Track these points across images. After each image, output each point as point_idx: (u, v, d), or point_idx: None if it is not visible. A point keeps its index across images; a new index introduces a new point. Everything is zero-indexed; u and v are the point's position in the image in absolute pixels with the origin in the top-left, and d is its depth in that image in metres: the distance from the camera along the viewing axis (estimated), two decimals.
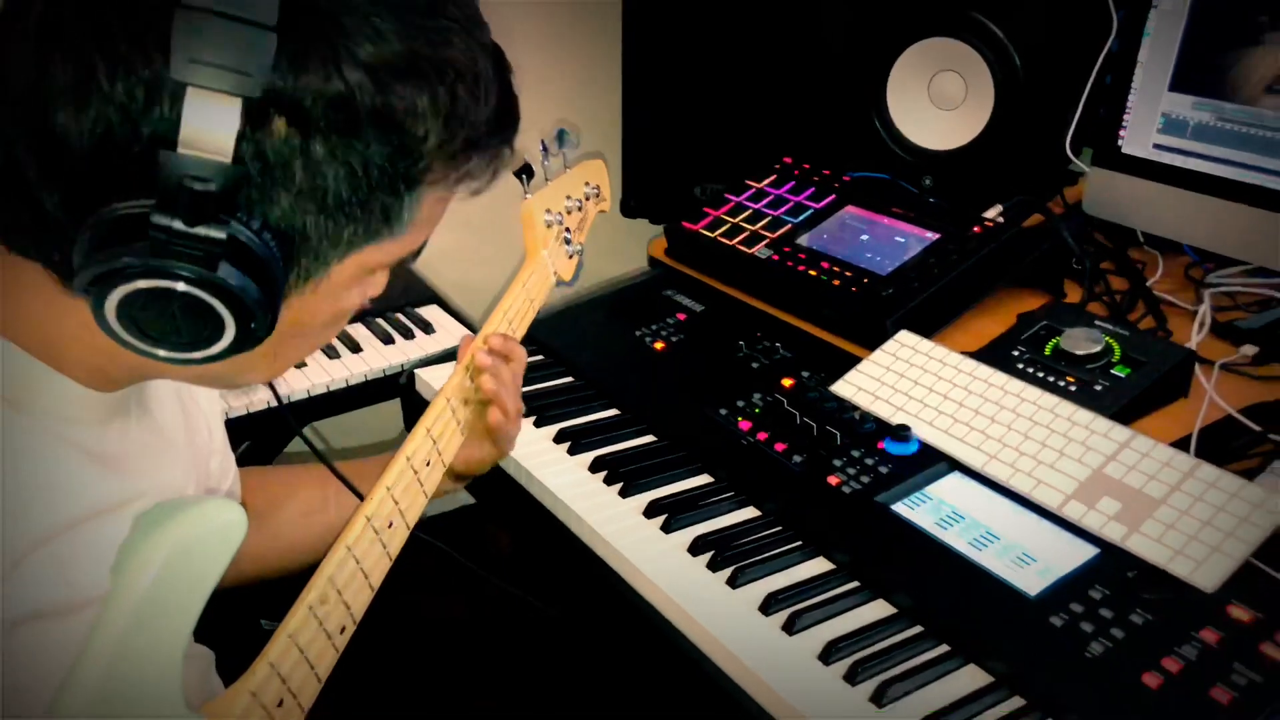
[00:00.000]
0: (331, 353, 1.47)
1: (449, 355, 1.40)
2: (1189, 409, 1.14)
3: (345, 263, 0.65)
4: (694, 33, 1.78)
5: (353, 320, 1.53)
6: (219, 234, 0.56)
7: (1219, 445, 1.08)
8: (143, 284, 0.57)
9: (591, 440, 1.19)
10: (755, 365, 1.28)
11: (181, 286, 0.57)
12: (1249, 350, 1.24)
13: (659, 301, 1.46)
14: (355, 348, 1.48)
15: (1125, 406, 1.10)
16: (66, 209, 0.57)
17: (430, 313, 1.58)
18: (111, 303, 0.58)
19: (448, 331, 1.53)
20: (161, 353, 0.61)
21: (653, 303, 1.46)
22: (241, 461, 0.98)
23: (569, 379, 1.33)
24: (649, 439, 1.20)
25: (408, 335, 1.53)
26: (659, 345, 1.35)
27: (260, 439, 1.59)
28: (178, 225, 0.55)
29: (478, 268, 1.92)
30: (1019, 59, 1.50)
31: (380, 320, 1.55)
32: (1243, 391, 1.16)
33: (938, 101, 1.59)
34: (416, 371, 1.36)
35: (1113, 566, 0.93)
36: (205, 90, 0.53)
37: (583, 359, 1.35)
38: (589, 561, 1.06)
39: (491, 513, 1.37)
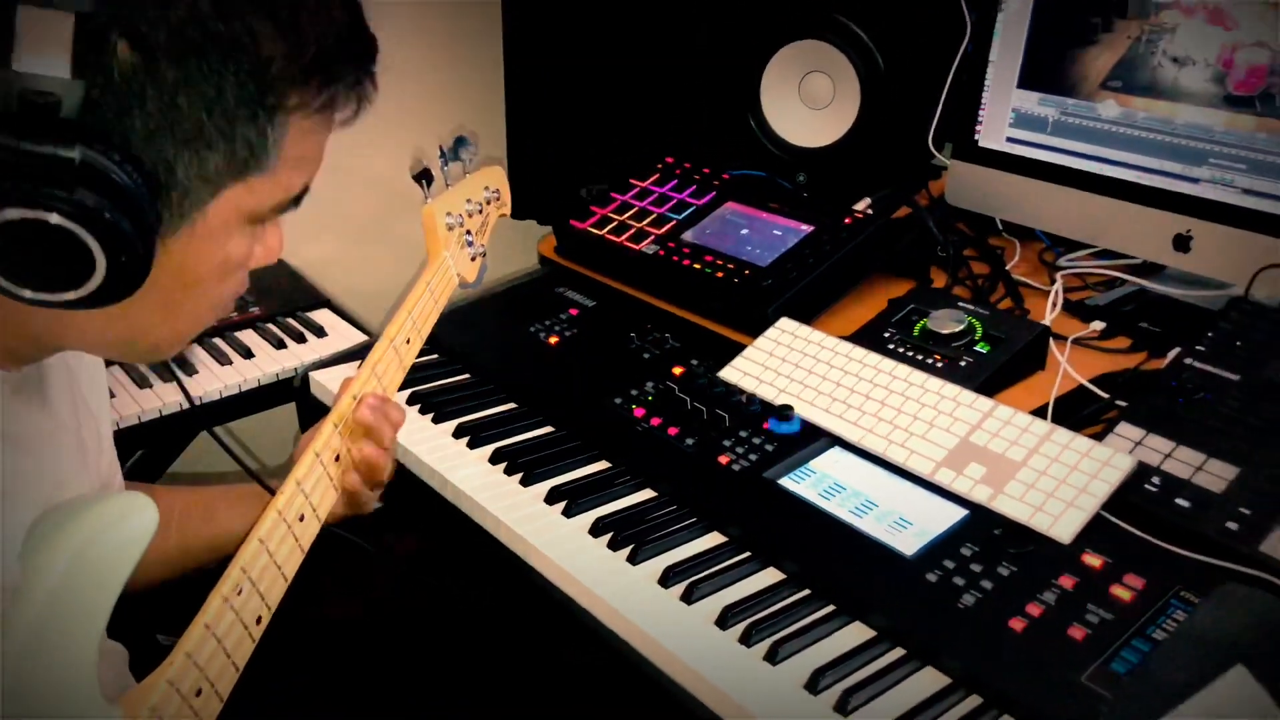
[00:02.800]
0: (223, 358, 1.47)
1: (343, 357, 1.41)
2: (1045, 380, 1.24)
3: (220, 202, 0.66)
4: (574, 36, 1.82)
5: (243, 326, 1.54)
6: (70, 154, 0.56)
7: (1072, 412, 1.17)
8: None
9: (491, 434, 1.22)
10: (646, 356, 1.33)
11: (30, 213, 0.56)
12: (1097, 326, 1.34)
13: (551, 298, 1.50)
14: (247, 353, 1.48)
15: (987, 380, 1.19)
16: None
17: (322, 316, 1.59)
18: None
19: (340, 334, 1.54)
20: (27, 293, 0.60)
21: (545, 300, 1.49)
22: (132, 475, 0.97)
23: (465, 376, 1.36)
24: (547, 430, 1.24)
25: (299, 339, 1.53)
26: (553, 340, 1.39)
27: (151, 449, 1.57)
28: (24, 145, 0.55)
29: (367, 274, 1.93)
30: (881, 60, 1.59)
31: (271, 325, 1.55)
32: (1092, 363, 1.27)
33: (808, 101, 1.67)
34: (311, 374, 1.37)
35: (980, 525, 1.01)
36: (35, 6, 0.54)
37: (479, 356, 1.38)
38: (495, 550, 1.09)
39: (391, 516, 1.38)
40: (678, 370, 1.29)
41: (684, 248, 1.45)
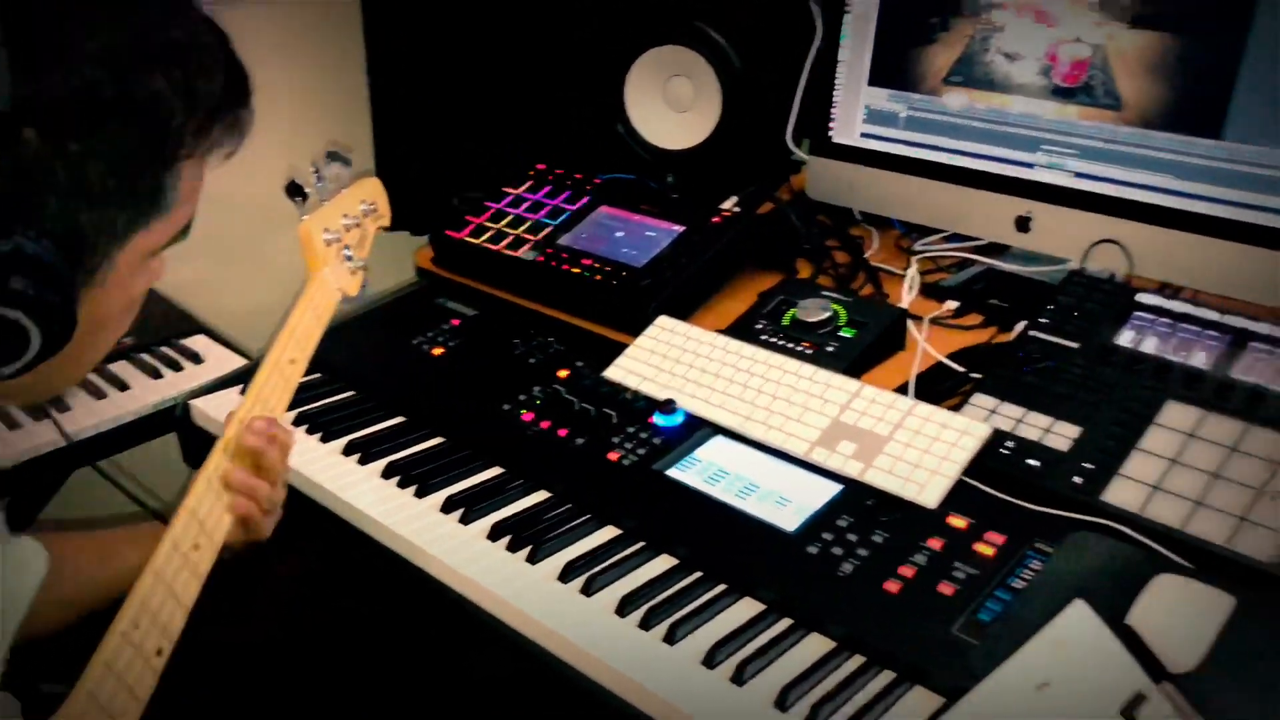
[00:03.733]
0: (98, 393, 1.44)
1: (223, 383, 1.40)
2: (906, 359, 1.32)
3: (126, 250, 0.70)
4: (436, 45, 1.84)
5: (115, 358, 1.51)
6: (5, 248, 0.59)
7: (932, 387, 1.26)
8: None
9: (381, 448, 1.23)
10: (531, 360, 1.37)
11: None
12: (951, 305, 1.44)
13: (432, 309, 1.52)
14: (122, 385, 1.45)
15: (854, 362, 1.27)
16: None
17: (198, 343, 1.57)
18: None
19: (218, 360, 1.52)
20: None
21: (426, 311, 1.51)
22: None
23: (351, 393, 1.37)
24: (438, 441, 1.26)
25: (176, 368, 1.51)
26: (437, 351, 1.41)
27: (23, 493, 1.52)
28: None
29: (241, 295, 1.90)
30: (739, 62, 1.66)
31: (145, 355, 1.52)
32: (948, 340, 1.36)
33: (672, 104, 1.73)
34: (191, 403, 1.36)
35: (854, 498, 1.08)
36: None
37: (363, 372, 1.39)
38: (394, 564, 1.11)
39: (285, 538, 1.37)
40: (563, 373, 1.33)
41: (562, 252, 1.49)
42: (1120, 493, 1.03)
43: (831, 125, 1.60)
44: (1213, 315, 1.17)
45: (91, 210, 0.65)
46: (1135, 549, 0.98)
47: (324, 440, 1.26)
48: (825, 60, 1.60)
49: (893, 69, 1.53)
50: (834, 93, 1.59)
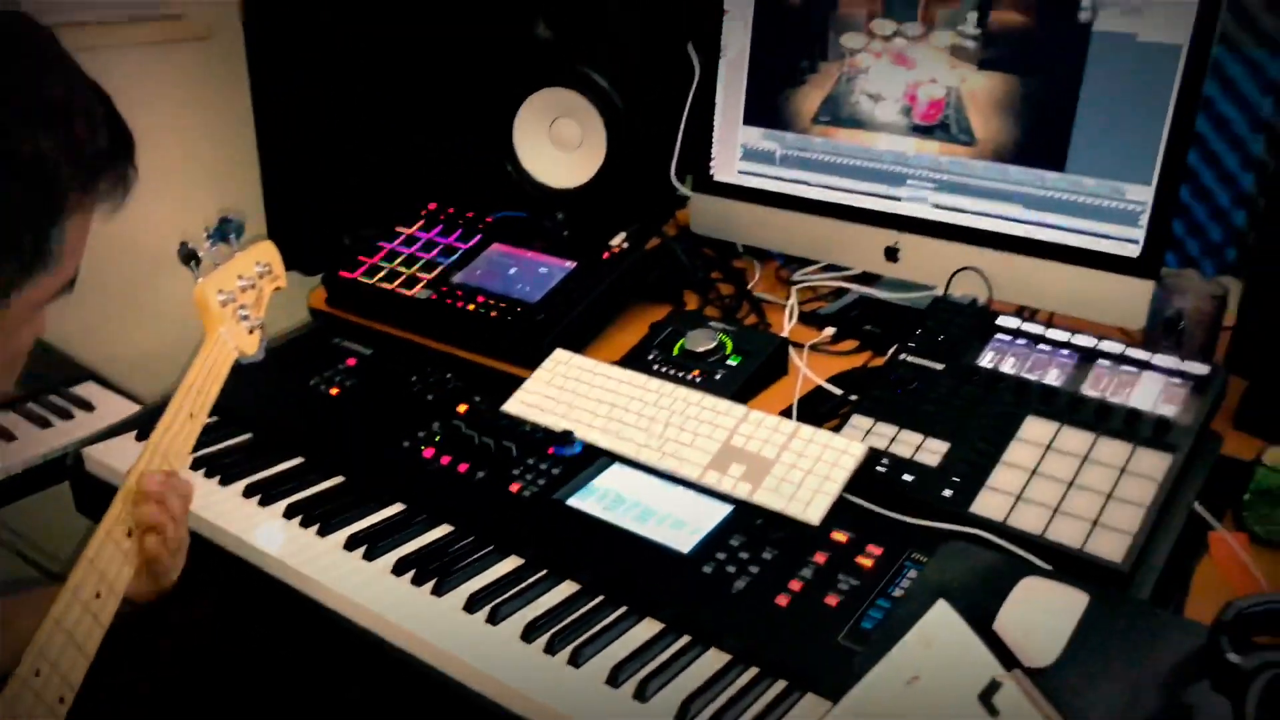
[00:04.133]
0: None
1: (116, 430, 1.39)
2: (789, 384, 1.39)
3: (11, 304, 0.71)
4: (323, 87, 1.86)
5: (0, 409, 1.48)
6: None
7: (814, 409, 1.33)
8: None
9: (281, 489, 1.25)
10: (430, 397, 1.40)
11: None
12: (829, 332, 1.52)
13: (327, 350, 1.53)
14: (9, 436, 1.43)
15: (741, 388, 1.33)
16: None
17: (87, 390, 1.55)
18: None
19: (110, 407, 1.50)
20: None
21: (321, 352, 1.52)
22: None
23: (248, 435, 1.37)
24: (338, 480, 1.28)
25: (66, 416, 1.49)
26: (334, 391, 1.43)
27: None
28: None
29: (130, 341, 1.88)
30: (622, 103, 1.73)
31: (33, 405, 1.50)
32: (827, 365, 1.44)
33: (559, 145, 1.78)
34: (84, 451, 1.35)
35: (745, 518, 1.15)
36: None
37: (260, 414, 1.39)
38: (300, 603, 1.12)
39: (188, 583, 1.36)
40: (462, 408, 1.36)
41: (457, 290, 1.53)
42: (987, 503, 1.12)
43: (712, 163, 1.68)
44: (1064, 335, 1.28)
45: None
46: (1002, 555, 1.07)
47: (223, 483, 1.26)
48: (703, 101, 1.68)
49: (766, 109, 1.61)
50: (713, 132, 1.67)
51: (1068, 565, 1.05)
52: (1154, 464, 1.11)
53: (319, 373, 1.47)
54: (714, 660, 1.00)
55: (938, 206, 1.49)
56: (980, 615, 0.93)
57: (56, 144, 0.69)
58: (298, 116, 1.90)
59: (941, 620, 0.78)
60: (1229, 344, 1.27)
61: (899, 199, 1.52)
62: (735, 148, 1.65)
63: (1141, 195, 1.33)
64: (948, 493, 1.14)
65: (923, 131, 1.49)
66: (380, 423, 1.35)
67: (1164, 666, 0.92)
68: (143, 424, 1.37)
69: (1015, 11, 1.38)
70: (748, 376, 1.35)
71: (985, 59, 1.42)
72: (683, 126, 1.79)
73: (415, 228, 1.69)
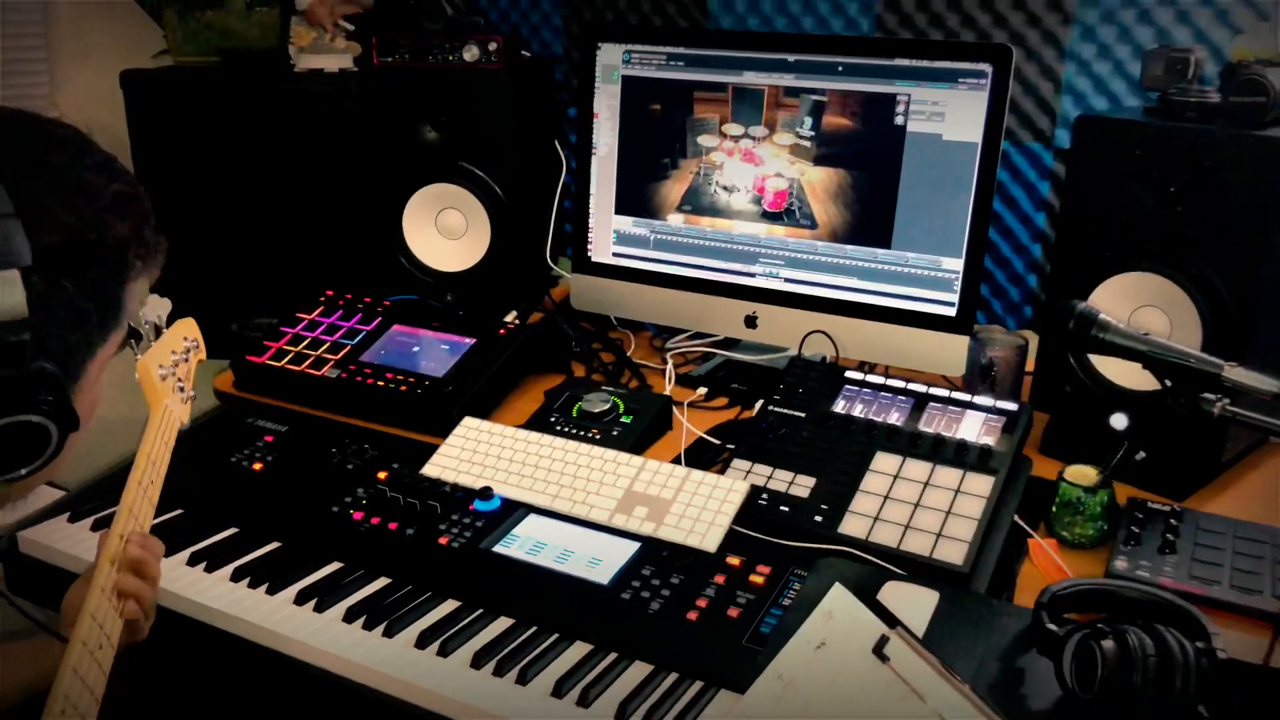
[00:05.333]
0: None
1: (47, 514, 1.44)
2: (675, 437, 1.60)
3: (96, 360, 0.87)
4: (211, 181, 1.97)
5: None
6: (34, 369, 0.77)
7: (699, 457, 1.54)
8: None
9: (224, 555, 1.34)
10: (350, 466, 1.52)
11: (35, 418, 0.77)
12: (702, 391, 1.74)
13: (242, 429, 1.63)
14: None
15: (635, 442, 1.52)
16: None
17: None
18: None
19: (35, 494, 1.54)
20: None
21: (237, 431, 1.62)
22: None
23: (179, 511, 1.46)
24: (274, 545, 1.38)
25: None
26: (257, 466, 1.53)
27: None
28: (5, 373, 0.75)
29: None
30: (504, 195, 1.92)
31: None
32: (705, 419, 1.65)
33: (445, 233, 1.96)
34: (19, 535, 1.40)
35: (652, 551, 1.32)
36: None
37: (188, 491, 1.48)
38: (256, 656, 1.22)
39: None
40: (382, 475, 1.49)
41: (365, 368, 1.66)
42: (851, 525, 1.34)
43: (590, 247, 1.88)
44: (900, 384, 1.53)
45: (77, 331, 0.83)
46: (867, 566, 1.28)
47: (167, 554, 1.34)
48: (579, 192, 1.89)
49: (635, 200, 1.84)
50: (589, 219, 1.88)
51: (920, 570, 1.27)
52: (981, 485, 1.36)
53: (239, 450, 1.57)
54: (640, 670, 1.16)
55: (788, 280, 1.74)
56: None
57: (129, 227, 0.86)
58: (187, 210, 2.00)
59: (837, 597, 0.98)
60: (1031, 385, 1.56)
61: (754, 275, 1.77)
62: (609, 233, 1.86)
63: (954, 266, 1.62)
64: (818, 519, 1.35)
65: (772, 218, 1.74)
66: (307, 492, 1.46)
67: (1001, 642, 1.15)
68: (73, 507, 1.44)
69: (842, 117, 1.66)
70: (640, 432, 1.54)
71: (820, 156, 1.69)
72: (554, 213, 1.99)
73: (316, 313, 1.81)
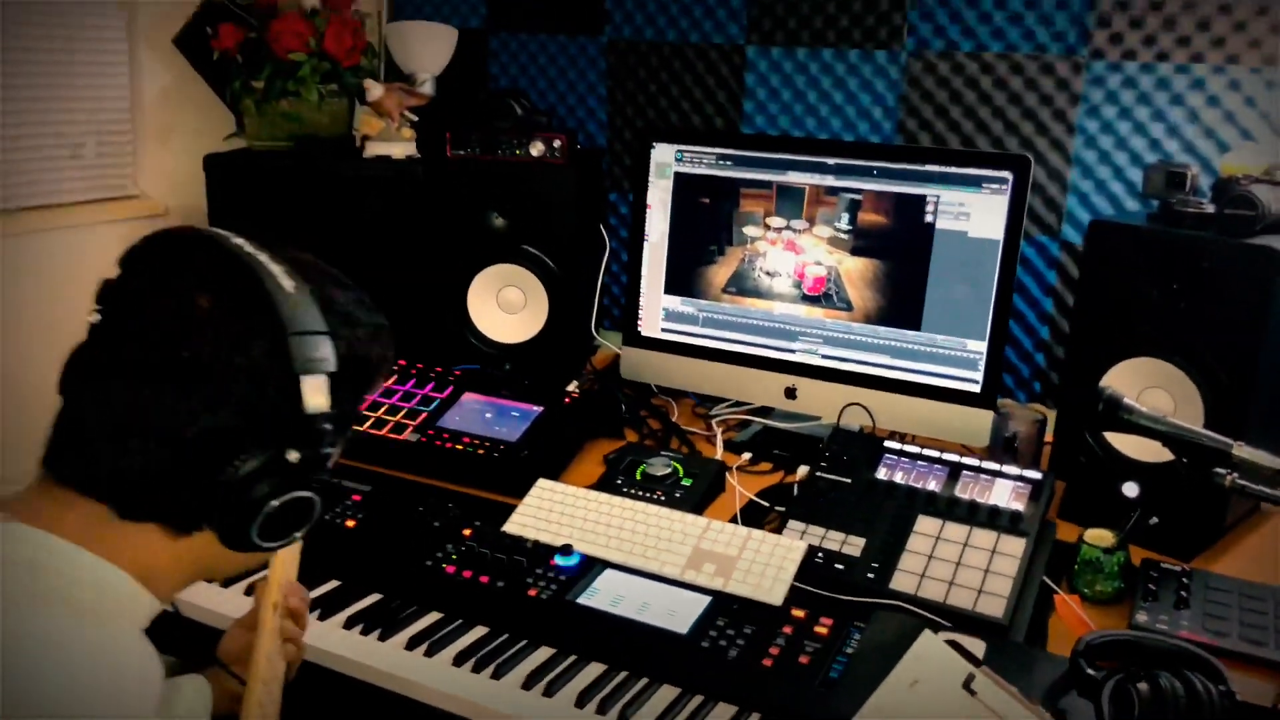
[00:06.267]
0: None
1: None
2: (727, 499, 1.75)
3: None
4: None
5: None
6: (312, 455, 0.93)
7: (754, 517, 1.69)
8: (283, 499, 0.91)
9: (333, 605, 1.47)
10: (436, 524, 1.66)
11: (302, 494, 0.92)
12: (747, 456, 1.90)
13: (331, 489, 1.76)
14: None
15: (697, 503, 1.68)
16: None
17: None
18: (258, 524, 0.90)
19: None
20: (275, 544, 0.93)
21: (327, 491, 1.75)
22: None
23: None
24: (376, 596, 1.52)
25: None
26: (350, 524, 1.67)
27: None
28: (305, 453, 0.91)
29: None
30: (561, 273, 2.09)
31: None
32: (755, 482, 1.81)
33: (505, 308, 2.12)
34: (177, 599, 1.51)
35: (724, 603, 1.47)
36: (311, 375, 0.91)
37: None
38: (374, 698, 1.35)
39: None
40: (467, 531, 1.63)
41: (444, 433, 1.81)
42: (901, 581, 1.50)
43: (640, 323, 2.05)
44: (935, 453, 1.70)
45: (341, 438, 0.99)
46: (916, 619, 1.44)
47: None
48: (631, 273, 2.06)
49: (684, 281, 2.01)
50: (639, 298, 2.05)
51: (964, 622, 1.43)
52: (1014, 546, 1.53)
53: (329, 509, 1.70)
54: (726, 710, 1.30)
55: (826, 356, 1.92)
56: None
57: (383, 349, 1.05)
58: None
59: (926, 642, 1.13)
60: (1050, 455, 1.73)
61: (794, 351, 1.94)
62: (659, 310, 2.03)
63: (979, 347, 1.80)
64: (870, 575, 1.51)
65: (811, 300, 1.92)
66: (400, 547, 1.60)
67: (1043, 685, 1.30)
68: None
69: (877, 214, 1.85)
70: (701, 494, 1.70)
71: (856, 247, 1.87)
72: (598, 289, 2.17)
73: (390, 381, 1.96)
